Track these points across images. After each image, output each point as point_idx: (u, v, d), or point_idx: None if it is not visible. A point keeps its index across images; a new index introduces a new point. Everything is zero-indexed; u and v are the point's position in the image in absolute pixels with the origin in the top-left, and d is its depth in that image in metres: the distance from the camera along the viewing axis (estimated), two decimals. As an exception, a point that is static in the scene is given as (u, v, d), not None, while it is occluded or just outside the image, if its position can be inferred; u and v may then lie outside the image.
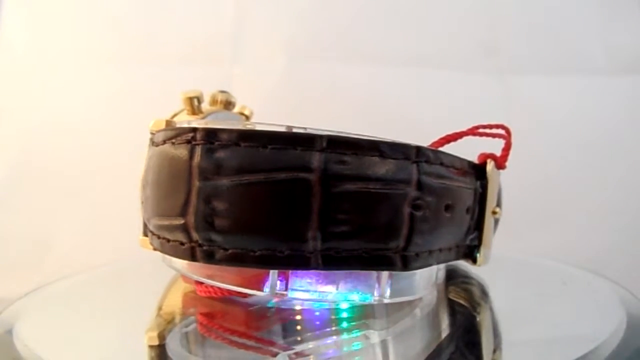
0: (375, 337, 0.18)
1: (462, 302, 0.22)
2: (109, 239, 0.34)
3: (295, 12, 0.36)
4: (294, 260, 0.15)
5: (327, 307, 0.20)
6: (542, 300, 0.22)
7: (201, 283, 0.20)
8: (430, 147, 0.17)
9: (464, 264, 0.24)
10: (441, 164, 0.17)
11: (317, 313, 0.21)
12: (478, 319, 0.20)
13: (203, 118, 0.25)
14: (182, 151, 0.16)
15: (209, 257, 0.16)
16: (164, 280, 0.22)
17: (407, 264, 0.16)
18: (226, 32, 0.36)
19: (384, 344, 0.17)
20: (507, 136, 0.21)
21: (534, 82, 0.37)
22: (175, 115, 0.25)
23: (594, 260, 0.33)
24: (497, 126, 0.21)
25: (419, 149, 0.17)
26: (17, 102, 0.37)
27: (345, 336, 0.18)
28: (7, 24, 0.37)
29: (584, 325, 0.20)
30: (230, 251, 0.16)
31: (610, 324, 0.18)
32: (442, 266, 0.24)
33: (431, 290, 0.20)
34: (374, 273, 0.17)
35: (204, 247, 0.16)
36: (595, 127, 0.37)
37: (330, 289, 0.17)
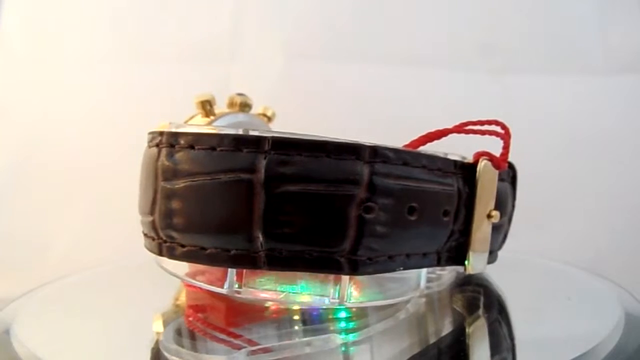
0: (338, 340, 0.17)
1: (460, 311, 0.21)
2: (107, 239, 0.34)
3: (293, 12, 0.36)
4: (241, 259, 0.16)
5: (324, 307, 0.20)
6: (541, 300, 0.22)
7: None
8: (393, 147, 0.16)
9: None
10: (405, 163, 0.16)
11: (315, 312, 0.21)
12: (468, 331, 0.19)
13: (212, 121, 0.26)
14: (153, 153, 0.18)
15: (171, 253, 0.17)
16: (161, 280, 0.21)
17: (356, 268, 0.16)
18: (224, 31, 0.36)
19: (346, 347, 0.17)
20: (505, 134, 0.20)
21: (532, 82, 0.37)
22: (191, 118, 0.27)
23: (593, 260, 0.33)
24: (490, 122, 0.19)
25: (374, 149, 0.16)
26: (17, 102, 0.37)
27: (311, 337, 0.18)
28: (7, 23, 0.37)
29: (582, 325, 0.20)
30: (186, 248, 0.17)
31: (608, 324, 0.18)
32: (445, 271, 0.23)
33: (415, 297, 0.19)
34: (332, 276, 0.17)
35: (167, 244, 0.17)
36: (594, 126, 0.36)
37: (287, 289, 0.17)
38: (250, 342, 0.18)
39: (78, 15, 0.37)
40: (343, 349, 0.17)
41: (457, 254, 0.19)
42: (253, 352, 0.17)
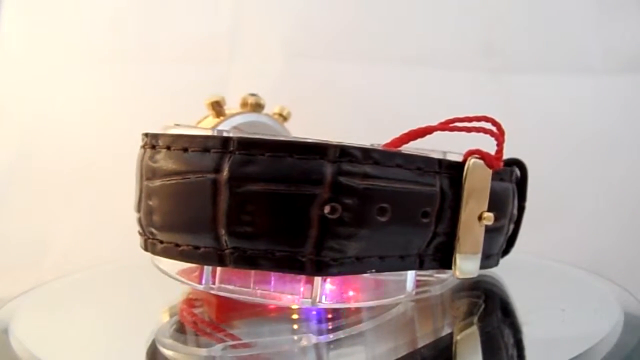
0: (313, 339, 0.17)
1: (454, 316, 0.20)
2: (106, 239, 0.34)
3: (292, 11, 0.35)
4: (210, 257, 0.16)
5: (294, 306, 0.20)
6: (541, 299, 0.22)
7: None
8: (363, 146, 0.16)
9: (493, 273, 0.23)
10: (376, 163, 0.16)
11: (314, 312, 0.21)
12: (456, 338, 0.18)
13: (221, 122, 0.26)
14: (141, 153, 0.19)
15: (153, 249, 0.18)
16: (160, 280, 0.20)
17: (320, 269, 0.15)
18: (223, 31, 0.36)
19: (317, 348, 0.17)
20: (498, 130, 0.18)
21: (532, 81, 0.36)
22: (204, 118, 0.28)
23: (592, 260, 0.33)
24: (480, 119, 0.18)
25: (341, 148, 0.16)
26: (16, 102, 0.37)
27: (286, 337, 0.18)
28: (6, 23, 0.37)
29: (581, 324, 0.20)
30: (164, 244, 0.17)
31: (607, 323, 0.18)
32: (446, 274, 0.22)
33: (402, 300, 0.19)
34: (303, 275, 0.17)
35: (150, 240, 0.18)
36: (594, 126, 0.36)
37: (261, 287, 0.17)
38: (233, 337, 0.19)
39: (77, 15, 0.37)
40: (308, 350, 0.17)
41: (444, 257, 0.18)
42: (232, 347, 0.18)
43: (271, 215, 0.15)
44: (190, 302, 0.21)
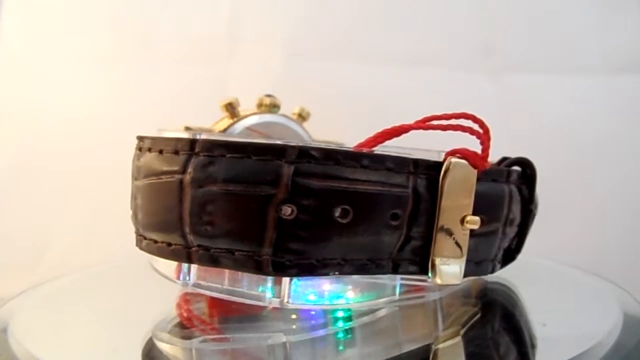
0: (282, 338, 0.17)
1: (441, 325, 0.19)
2: (106, 239, 0.33)
3: (292, 11, 0.35)
4: (179, 254, 0.17)
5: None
6: (540, 300, 0.22)
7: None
8: (324, 146, 0.16)
9: (500, 278, 0.22)
10: (338, 164, 0.16)
11: (313, 312, 0.21)
12: (435, 347, 0.17)
13: (234, 122, 0.27)
14: (133, 155, 0.20)
15: (140, 245, 0.19)
16: (159, 279, 0.19)
17: (277, 270, 0.15)
18: (223, 31, 0.36)
19: (284, 347, 0.17)
20: (481, 129, 0.17)
21: (532, 82, 0.37)
22: (221, 120, 0.29)
23: (592, 260, 0.33)
24: (459, 116, 0.17)
25: (300, 148, 0.15)
26: (15, 102, 0.37)
27: (259, 333, 0.18)
28: (6, 23, 0.37)
29: (580, 325, 0.20)
30: (146, 241, 0.18)
31: (607, 324, 0.18)
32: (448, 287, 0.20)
33: (381, 304, 0.18)
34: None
35: (138, 236, 0.19)
36: (593, 126, 0.36)
37: (233, 285, 0.18)
38: (218, 332, 0.19)
39: (77, 15, 0.37)
40: (276, 348, 0.17)
41: (423, 262, 0.17)
42: (212, 340, 0.18)
43: (229, 216, 0.16)
44: (189, 297, 0.22)
